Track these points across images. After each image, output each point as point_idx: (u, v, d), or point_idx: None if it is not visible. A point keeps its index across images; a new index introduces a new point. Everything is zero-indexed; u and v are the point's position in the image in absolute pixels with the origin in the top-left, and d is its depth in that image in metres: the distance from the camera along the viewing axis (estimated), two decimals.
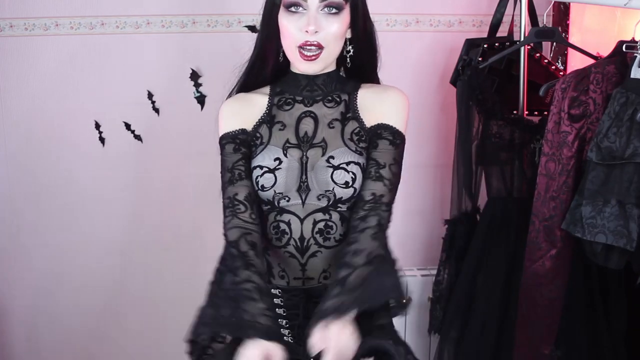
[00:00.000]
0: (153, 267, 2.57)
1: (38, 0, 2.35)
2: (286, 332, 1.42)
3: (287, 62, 1.46)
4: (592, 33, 2.30)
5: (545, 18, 2.14)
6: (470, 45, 2.26)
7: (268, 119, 1.45)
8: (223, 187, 1.41)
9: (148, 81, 2.44)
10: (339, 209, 1.38)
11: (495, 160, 2.09)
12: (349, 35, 1.43)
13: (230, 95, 1.52)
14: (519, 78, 2.13)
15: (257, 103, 1.48)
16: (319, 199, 1.37)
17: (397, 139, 1.40)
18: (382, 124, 1.41)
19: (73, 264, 2.53)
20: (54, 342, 2.58)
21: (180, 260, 2.55)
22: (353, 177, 1.37)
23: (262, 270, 1.29)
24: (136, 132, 2.47)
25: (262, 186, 1.38)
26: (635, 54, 1.68)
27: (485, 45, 2.23)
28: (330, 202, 1.37)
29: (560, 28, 2.40)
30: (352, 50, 1.45)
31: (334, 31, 1.36)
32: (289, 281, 1.41)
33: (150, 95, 2.45)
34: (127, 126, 2.46)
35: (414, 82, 2.55)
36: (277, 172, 1.38)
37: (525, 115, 2.15)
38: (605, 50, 1.95)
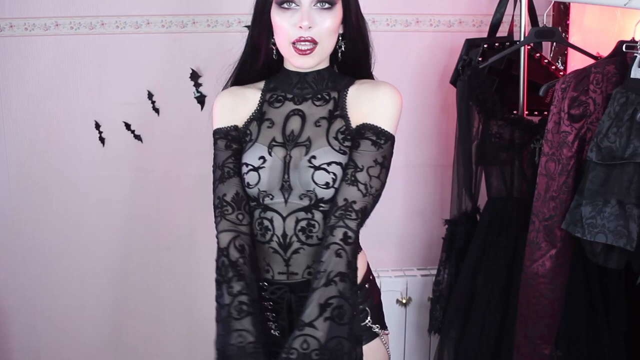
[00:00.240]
0: (152, 267, 2.57)
1: (38, 0, 2.35)
2: (272, 325, 1.46)
3: (281, 58, 1.46)
4: (592, 33, 2.30)
5: (545, 18, 2.14)
6: (470, 45, 2.26)
7: (258, 116, 1.47)
8: (214, 184, 1.48)
9: (148, 81, 2.44)
10: (321, 208, 1.37)
11: (495, 160, 2.09)
12: (341, 31, 1.43)
13: (225, 88, 1.53)
14: (519, 78, 2.13)
15: (249, 99, 1.49)
16: (301, 199, 1.37)
17: (380, 139, 1.36)
18: (366, 123, 1.37)
19: (72, 263, 2.53)
20: (53, 342, 2.58)
21: (179, 260, 2.55)
22: (334, 177, 1.35)
23: (252, 278, 1.35)
24: (136, 132, 2.47)
25: (248, 183, 1.42)
26: (635, 54, 1.68)
27: (485, 45, 2.23)
28: (312, 202, 1.37)
29: (560, 28, 2.40)
30: (343, 46, 1.44)
31: (327, 26, 1.36)
32: (274, 275, 1.42)
33: (150, 95, 2.45)
34: (127, 126, 2.46)
35: (414, 82, 2.55)
36: (260, 171, 1.40)
37: (525, 115, 2.15)
38: (605, 50, 1.95)
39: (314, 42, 1.35)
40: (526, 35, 2.12)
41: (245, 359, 1.24)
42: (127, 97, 2.44)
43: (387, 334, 1.51)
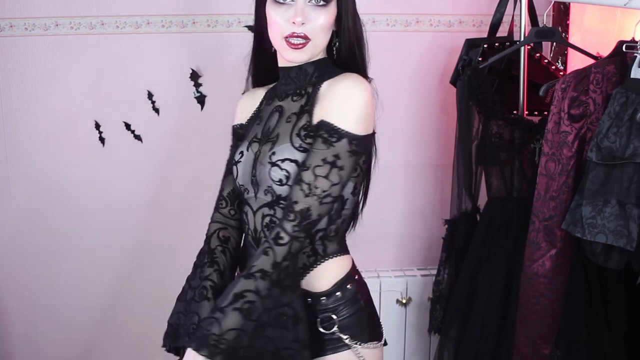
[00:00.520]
0: (153, 267, 2.57)
1: (38, 0, 2.35)
2: None
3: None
4: (592, 33, 2.30)
5: (545, 18, 2.14)
6: (470, 45, 2.26)
7: (256, 114, 1.51)
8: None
9: (148, 81, 2.44)
10: (281, 205, 1.35)
11: (495, 160, 2.09)
12: (335, 28, 1.42)
13: (246, 84, 1.58)
14: (519, 78, 2.13)
15: (257, 98, 1.54)
16: (265, 194, 1.38)
17: (332, 137, 1.28)
18: (321, 120, 1.31)
19: (73, 263, 2.53)
20: (53, 342, 2.58)
21: (179, 260, 2.54)
22: (286, 175, 1.33)
23: (226, 266, 1.43)
24: (136, 132, 2.47)
25: (233, 177, 1.47)
26: (635, 54, 1.68)
27: (485, 45, 2.23)
28: (274, 198, 1.37)
29: (560, 28, 2.40)
30: (337, 44, 1.43)
31: (321, 23, 1.35)
32: None
33: (150, 95, 2.45)
34: (127, 126, 2.46)
35: (414, 82, 2.55)
36: (238, 165, 1.44)
37: (525, 115, 2.15)
38: (605, 50, 1.95)
39: (307, 38, 1.35)
40: (526, 35, 2.12)
41: (186, 339, 1.34)
42: (127, 97, 2.44)
43: (372, 348, 1.42)
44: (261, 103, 1.52)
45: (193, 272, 1.48)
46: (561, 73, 2.28)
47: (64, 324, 2.57)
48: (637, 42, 1.72)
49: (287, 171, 1.33)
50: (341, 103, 1.30)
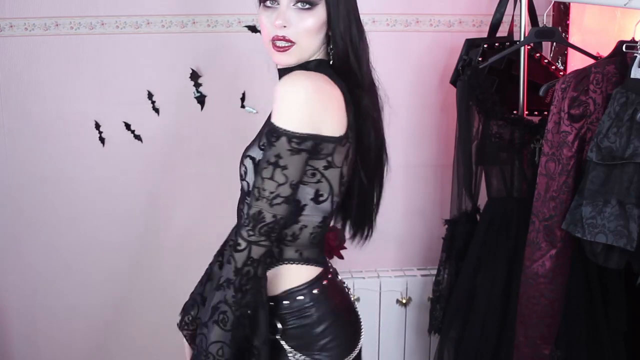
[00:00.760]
0: (153, 267, 2.57)
1: (38, 0, 2.35)
2: None
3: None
4: (592, 33, 2.30)
5: (545, 18, 2.14)
6: (470, 45, 2.26)
7: None
8: None
9: (148, 81, 2.44)
10: (246, 200, 1.35)
11: (495, 160, 2.09)
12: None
13: None
14: (519, 78, 2.13)
15: None
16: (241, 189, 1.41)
17: (272, 136, 1.24)
18: (269, 121, 1.29)
19: (73, 263, 2.53)
20: (54, 342, 2.58)
21: (179, 260, 2.55)
22: (245, 170, 1.34)
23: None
24: (136, 132, 2.47)
25: None
26: (635, 54, 1.68)
27: (485, 45, 2.23)
28: (242, 193, 1.39)
29: (560, 28, 2.40)
30: (332, 48, 1.38)
31: (305, 27, 1.33)
32: None
33: (150, 95, 2.45)
34: (127, 126, 2.46)
35: (414, 82, 2.55)
36: None
37: (525, 115, 2.15)
38: (605, 50, 1.95)
39: (290, 42, 1.33)
40: (526, 35, 2.12)
41: None
42: (127, 97, 2.44)
43: None
44: None
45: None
46: (561, 73, 2.28)
47: (64, 324, 2.57)
48: (637, 42, 1.72)
49: (245, 167, 1.34)
50: (279, 101, 1.26)
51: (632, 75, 1.66)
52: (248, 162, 1.34)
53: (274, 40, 1.34)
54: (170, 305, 2.58)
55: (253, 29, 2.39)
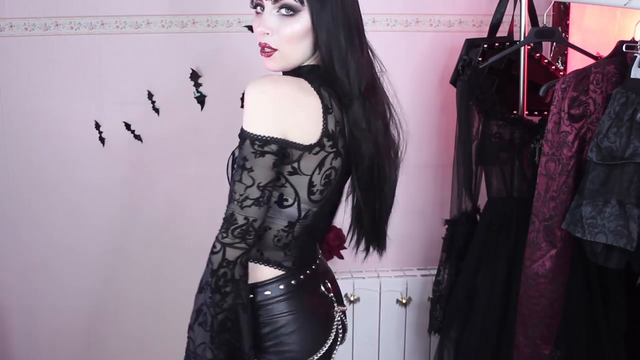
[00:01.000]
0: (152, 267, 2.57)
1: (38, 0, 2.35)
2: None
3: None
4: (592, 33, 2.30)
5: (545, 18, 2.14)
6: (470, 45, 2.26)
7: None
8: None
9: (148, 81, 2.44)
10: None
11: (495, 160, 2.09)
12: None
13: None
14: (519, 78, 2.13)
15: None
16: None
17: (240, 139, 1.26)
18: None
19: (72, 264, 2.53)
20: (54, 342, 2.58)
21: (179, 260, 2.55)
22: (227, 165, 1.37)
23: None
24: (136, 132, 2.47)
25: None
26: (635, 54, 1.68)
27: (485, 45, 2.23)
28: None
29: (560, 28, 2.40)
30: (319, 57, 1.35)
31: (286, 33, 1.31)
32: None
33: (150, 95, 2.45)
34: (127, 126, 2.46)
35: (414, 82, 2.55)
36: None
37: (525, 115, 2.15)
38: (605, 50, 1.95)
39: (272, 48, 1.33)
40: (526, 35, 2.12)
41: None
42: (127, 97, 2.44)
43: None
44: None
45: None
46: (561, 73, 2.28)
47: (64, 324, 2.57)
48: (637, 42, 1.72)
49: (227, 163, 1.36)
50: (245, 104, 1.27)
51: (632, 75, 1.66)
52: (231, 159, 1.36)
53: (260, 46, 1.35)
54: (170, 305, 2.59)
55: (253, 29, 2.39)
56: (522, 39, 2.14)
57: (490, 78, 2.21)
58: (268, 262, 1.39)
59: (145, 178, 2.51)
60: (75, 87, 2.42)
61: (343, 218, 1.51)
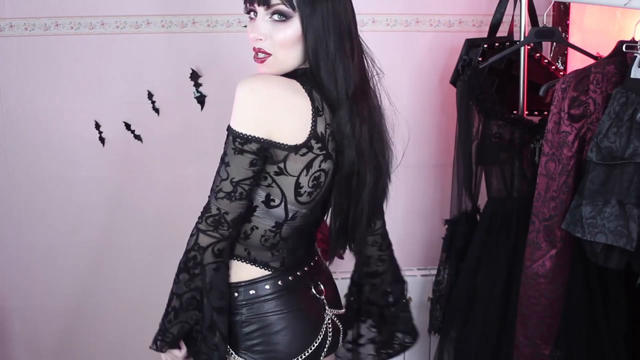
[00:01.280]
0: (152, 267, 2.57)
1: (38, 0, 2.35)
2: None
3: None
4: (592, 33, 2.30)
5: (545, 18, 2.14)
6: (470, 45, 2.26)
7: None
8: None
9: (148, 81, 2.44)
10: None
11: (495, 160, 2.09)
12: None
13: None
14: (519, 78, 2.13)
15: None
16: None
17: (227, 132, 1.29)
18: None
19: (72, 263, 2.54)
20: (53, 342, 2.58)
21: (179, 260, 2.55)
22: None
23: None
24: (136, 132, 2.47)
25: None
26: (635, 54, 1.68)
27: (485, 45, 2.23)
28: None
29: (560, 28, 2.40)
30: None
31: (278, 39, 1.32)
32: None
33: (150, 95, 2.45)
34: (127, 126, 2.46)
35: (414, 82, 2.55)
36: None
37: (525, 115, 2.15)
38: (605, 50, 1.95)
39: (265, 53, 1.33)
40: (526, 35, 2.12)
41: None
42: (127, 97, 2.44)
43: None
44: None
45: None
46: (561, 73, 2.28)
47: (64, 324, 2.57)
48: (637, 42, 1.72)
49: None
50: (234, 102, 1.29)
51: (632, 75, 1.66)
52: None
53: (254, 51, 1.35)
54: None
55: None
56: (522, 39, 2.14)
57: (490, 78, 2.22)
58: (255, 262, 1.41)
59: (145, 178, 2.51)
60: (75, 87, 2.42)
61: None
